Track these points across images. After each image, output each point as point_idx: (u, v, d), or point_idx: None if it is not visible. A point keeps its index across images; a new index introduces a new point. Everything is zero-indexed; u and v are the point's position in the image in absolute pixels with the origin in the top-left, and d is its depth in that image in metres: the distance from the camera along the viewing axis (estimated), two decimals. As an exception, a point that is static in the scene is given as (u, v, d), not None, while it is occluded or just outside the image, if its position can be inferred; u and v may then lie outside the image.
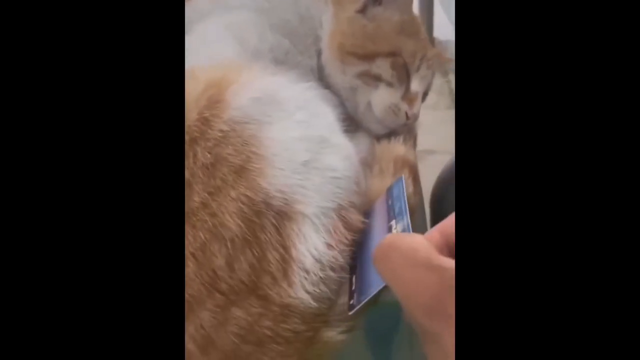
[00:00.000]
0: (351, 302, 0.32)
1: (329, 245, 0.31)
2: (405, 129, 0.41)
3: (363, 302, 0.30)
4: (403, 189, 0.35)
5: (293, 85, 0.34)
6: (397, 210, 0.33)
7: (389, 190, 0.36)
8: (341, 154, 0.34)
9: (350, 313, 0.31)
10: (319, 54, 0.41)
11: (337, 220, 0.32)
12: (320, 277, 0.31)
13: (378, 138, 0.42)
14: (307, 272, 0.30)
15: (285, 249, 0.30)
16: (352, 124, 0.42)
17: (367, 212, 0.35)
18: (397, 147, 0.39)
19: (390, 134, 0.41)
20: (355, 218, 0.33)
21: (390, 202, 0.34)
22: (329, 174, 0.33)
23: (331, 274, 0.31)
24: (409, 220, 0.31)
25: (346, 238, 0.32)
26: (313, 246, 0.31)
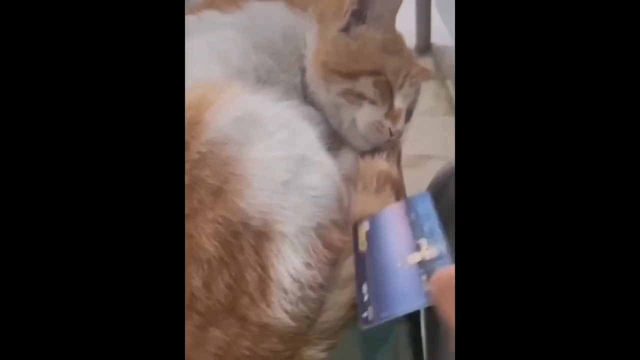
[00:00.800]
0: (364, 315, 0.30)
1: (308, 264, 0.32)
2: (389, 145, 0.42)
3: (386, 319, 0.29)
4: (431, 207, 0.33)
5: (274, 104, 0.34)
6: (426, 229, 0.32)
7: (411, 205, 0.34)
8: (322, 172, 0.34)
9: (365, 328, 0.30)
10: (302, 71, 0.42)
11: (317, 239, 0.32)
12: (299, 297, 0.31)
13: (362, 154, 0.42)
14: (285, 291, 0.31)
15: (264, 269, 0.30)
16: (336, 140, 0.43)
17: (370, 221, 0.34)
18: (380, 164, 0.40)
19: (374, 150, 0.42)
20: (335, 237, 0.34)
21: (413, 218, 0.33)
22: (309, 192, 0.33)
23: (310, 293, 0.31)
24: (447, 245, 0.30)
25: (325, 257, 0.33)
26: (291, 265, 0.31)
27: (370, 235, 0.34)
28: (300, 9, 0.42)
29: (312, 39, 0.41)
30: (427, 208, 0.33)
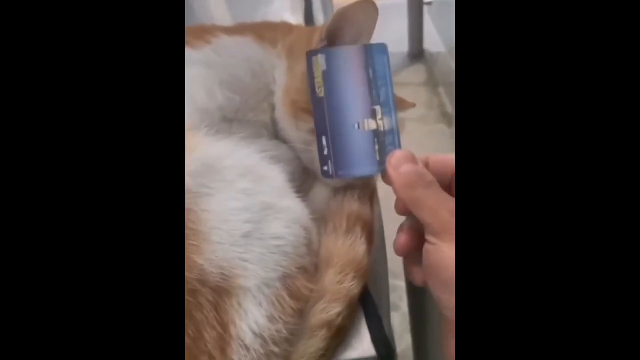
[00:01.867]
0: (325, 168, 0.33)
1: (272, 318, 0.31)
2: (361, 183, 0.40)
3: (343, 177, 0.33)
4: (388, 66, 0.34)
5: (237, 151, 0.33)
6: (382, 96, 0.34)
7: (369, 55, 0.34)
8: (287, 218, 0.33)
9: (326, 180, 0.34)
10: (272, 108, 0.40)
11: (282, 290, 0.32)
12: (262, 353, 0.30)
13: (335, 190, 0.41)
14: (247, 349, 0.30)
15: (223, 326, 0.29)
16: (308, 177, 0.41)
17: (326, 58, 0.34)
18: (351, 203, 0.39)
19: (347, 187, 0.41)
20: (302, 285, 0.33)
21: (371, 75, 0.34)
22: (272, 242, 0.32)
23: (274, 348, 0.31)
24: (397, 121, 0.33)
25: (291, 307, 0.32)
26: (253, 321, 0.30)
27: (327, 79, 0.34)
28: (269, 44, 0.41)
29: (281, 75, 0.40)
30: (384, 67, 0.35)
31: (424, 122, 1.56)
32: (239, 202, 0.31)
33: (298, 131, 0.39)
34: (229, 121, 0.38)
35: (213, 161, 0.31)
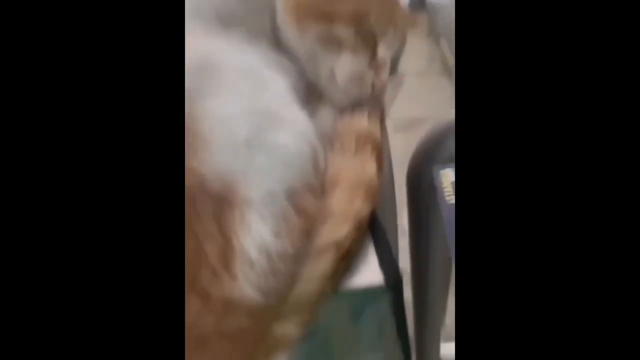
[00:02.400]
0: None
1: (277, 234, 0.28)
2: (372, 101, 0.37)
3: None
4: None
5: (238, 51, 0.30)
6: None
7: None
8: (294, 129, 0.30)
9: None
10: (273, 12, 0.36)
11: (288, 205, 0.29)
12: (267, 269, 0.28)
13: (341, 110, 0.38)
14: (251, 263, 0.27)
15: (226, 239, 0.27)
16: (313, 94, 0.38)
17: (455, 170, 0.36)
18: (361, 122, 0.36)
19: (355, 107, 0.37)
20: (309, 202, 0.30)
21: None
22: (277, 152, 0.29)
23: (280, 266, 0.28)
24: None
25: (298, 224, 0.29)
26: (258, 235, 0.28)
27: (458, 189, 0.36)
28: None
29: (283, -26, 0.36)
30: None
31: (425, 76, 1.50)
32: (240, 106, 0.28)
33: (303, 39, 0.35)
34: (225, 25, 0.34)
35: (212, 59, 0.28)
